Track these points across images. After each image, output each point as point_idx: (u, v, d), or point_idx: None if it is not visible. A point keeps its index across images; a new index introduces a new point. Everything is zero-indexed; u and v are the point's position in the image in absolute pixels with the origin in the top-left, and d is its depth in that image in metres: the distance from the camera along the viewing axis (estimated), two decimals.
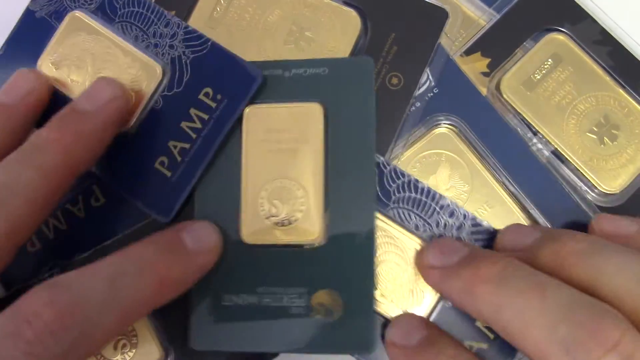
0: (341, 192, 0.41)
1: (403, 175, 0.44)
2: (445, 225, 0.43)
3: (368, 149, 0.42)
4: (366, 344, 0.40)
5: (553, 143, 0.48)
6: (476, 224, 0.43)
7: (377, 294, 0.42)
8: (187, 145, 0.42)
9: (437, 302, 0.42)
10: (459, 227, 0.43)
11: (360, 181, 0.41)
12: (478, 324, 0.42)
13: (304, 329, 0.40)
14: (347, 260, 0.41)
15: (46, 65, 0.45)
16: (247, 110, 0.43)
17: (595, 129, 0.48)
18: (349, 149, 0.42)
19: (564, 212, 0.46)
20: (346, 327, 0.40)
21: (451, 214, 0.43)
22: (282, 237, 0.41)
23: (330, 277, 0.41)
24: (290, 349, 0.40)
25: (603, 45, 0.49)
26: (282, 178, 0.42)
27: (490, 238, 0.43)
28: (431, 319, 0.42)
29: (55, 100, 0.45)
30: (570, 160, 0.47)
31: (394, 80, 0.46)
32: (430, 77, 0.47)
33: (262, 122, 0.43)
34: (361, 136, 0.42)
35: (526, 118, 0.48)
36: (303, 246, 0.41)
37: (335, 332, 0.40)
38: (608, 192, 0.47)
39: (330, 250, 0.41)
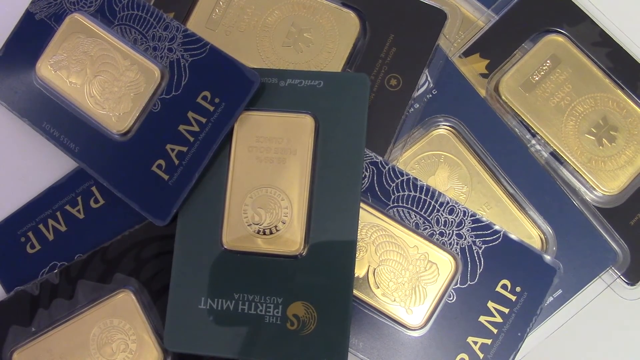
0: (326, 206, 0.41)
1: (402, 174, 0.44)
2: (445, 222, 0.43)
3: (356, 165, 0.42)
4: (335, 358, 0.40)
5: (552, 144, 0.48)
6: (476, 220, 0.43)
7: (379, 293, 0.43)
8: (184, 149, 0.42)
9: (440, 299, 0.43)
10: (459, 224, 0.43)
11: (346, 196, 0.41)
12: (481, 319, 0.42)
13: (276, 339, 0.40)
14: (326, 274, 0.41)
15: (45, 67, 0.45)
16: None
17: (594, 130, 0.48)
18: (338, 163, 0.42)
19: (563, 214, 0.46)
20: (318, 340, 0.40)
21: (451, 211, 0.43)
22: (263, 245, 0.42)
23: (308, 289, 0.41)
24: (260, 357, 0.40)
25: (602, 46, 0.49)
26: (268, 187, 0.42)
27: (490, 235, 0.43)
28: (434, 315, 0.42)
29: (55, 101, 0.45)
30: (569, 162, 0.47)
31: (393, 82, 0.46)
32: (429, 78, 0.47)
33: (253, 130, 0.43)
34: (350, 151, 0.42)
35: (525, 119, 0.48)
36: (283, 256, 0.41)
37: (306, 344, 0.40)
38: (607, 193, 0.47)
39: (310, 263, 0.41)
